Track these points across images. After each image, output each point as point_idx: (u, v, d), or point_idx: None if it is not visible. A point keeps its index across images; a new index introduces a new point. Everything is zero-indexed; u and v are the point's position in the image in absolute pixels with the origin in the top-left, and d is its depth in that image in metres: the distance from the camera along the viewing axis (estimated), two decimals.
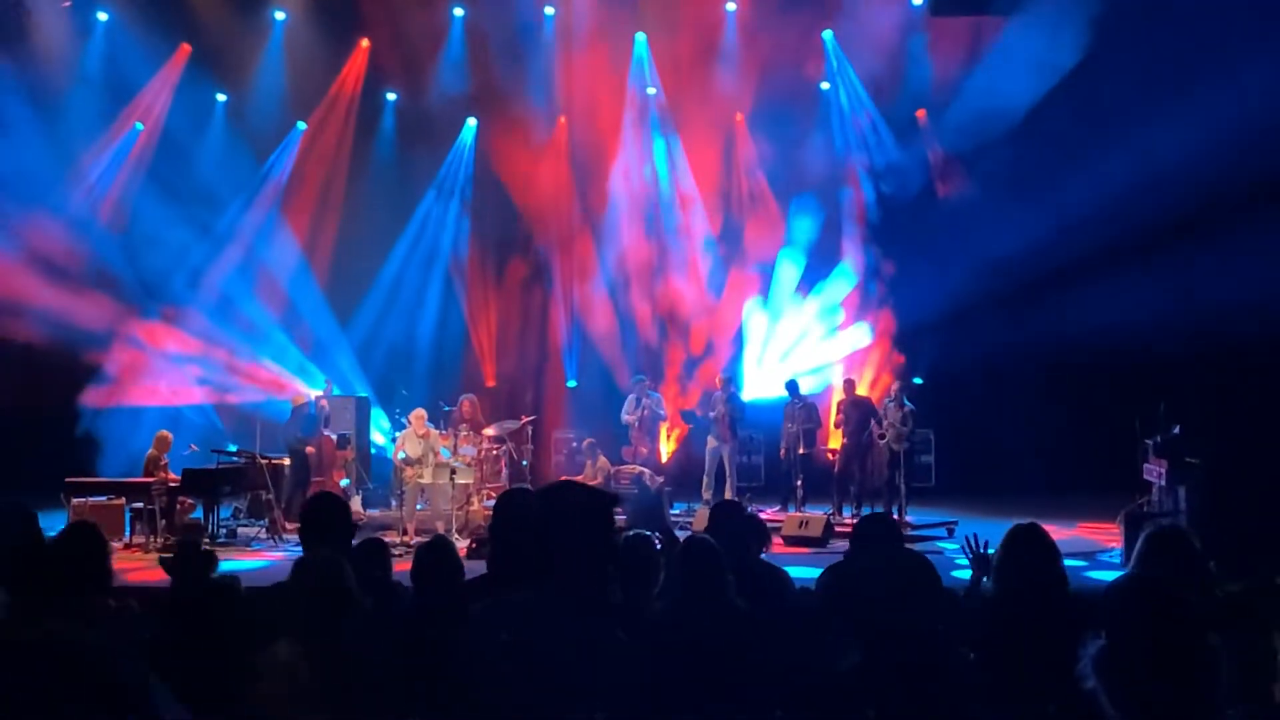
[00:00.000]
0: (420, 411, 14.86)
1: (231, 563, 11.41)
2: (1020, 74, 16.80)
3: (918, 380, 17.62)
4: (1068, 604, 4.37)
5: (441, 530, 13.66)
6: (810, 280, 19.04)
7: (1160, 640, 2.68)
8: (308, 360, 18.51)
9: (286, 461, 15.09)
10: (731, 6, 18.40)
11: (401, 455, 14.56)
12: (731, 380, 17.00)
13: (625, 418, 16.48)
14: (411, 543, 13.52)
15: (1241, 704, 2.88)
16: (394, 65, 18.89)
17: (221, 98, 18.78)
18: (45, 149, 16.99)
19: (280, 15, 18.30)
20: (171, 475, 14.40)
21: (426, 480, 14.39)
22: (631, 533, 5.16)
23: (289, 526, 13.83)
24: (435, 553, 4.85)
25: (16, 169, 16.55)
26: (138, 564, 12.36)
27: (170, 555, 5.64)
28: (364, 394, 18.50)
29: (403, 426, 15.24)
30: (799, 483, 15.68)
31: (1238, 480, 11.68)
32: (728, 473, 16.37)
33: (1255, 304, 14.70)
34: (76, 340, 16.74)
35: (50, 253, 16.82)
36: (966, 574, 5.26)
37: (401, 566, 5.57)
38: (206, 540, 13.37)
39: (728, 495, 16.14)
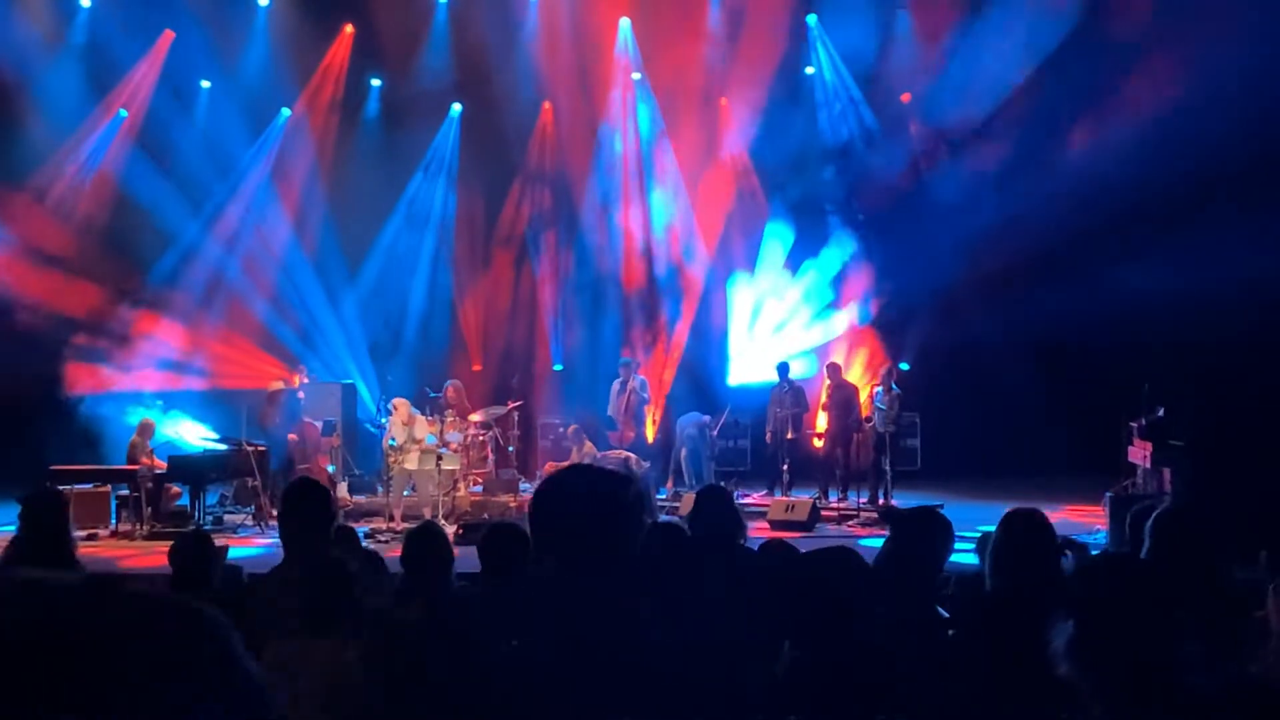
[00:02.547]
0: (401, 400, 14.89)
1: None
2: (1006, 53, 16.91)
3: (904, 366, 17.66)
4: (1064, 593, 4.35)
5: (429, 516, 13.68)
6: (795, 262, 19.07)
7: (1127, 617, 2.69)
8: (294, 345, 18.46)
9: None
10: None
11: (391, 442, 14.58)
12: (710, 377, 17.09)
13: (611, 412, 16.54)
14: (399, 529, 13.54)
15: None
16: (378, 51, 18.85)
17: (206, 84, 18.70)
18: (29, 134, 17.00)
19: (264, 1, 18.24)
20: (157, 461, 14.37)
21: (410, 466, 14.41)
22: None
23: (275, 513, 13.79)
24: (425, 538, 4.86)
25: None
26: (124, 551, 12.37)
27: (178, 546, 5.60)
28: (350, 380, 18.48)
29: (387, 413, 15.25)
30: (785, 467, 15.72)
31: (1222, 462, 11.75)
32: (702, 457, 16.40)
33: (1243, 285, 14.78)
34: (61, 326, 16.72)
35: (35, 238, 16.81)
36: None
37: (390, 554, 5.62)
38: (192, 527, 13.39)
39: (708, 479, 16.18)
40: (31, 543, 5.18)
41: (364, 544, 12.75)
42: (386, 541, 13.08)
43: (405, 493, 14.50)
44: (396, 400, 14.94)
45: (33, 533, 5.26)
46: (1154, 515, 4.34)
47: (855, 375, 17.38)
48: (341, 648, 3.91)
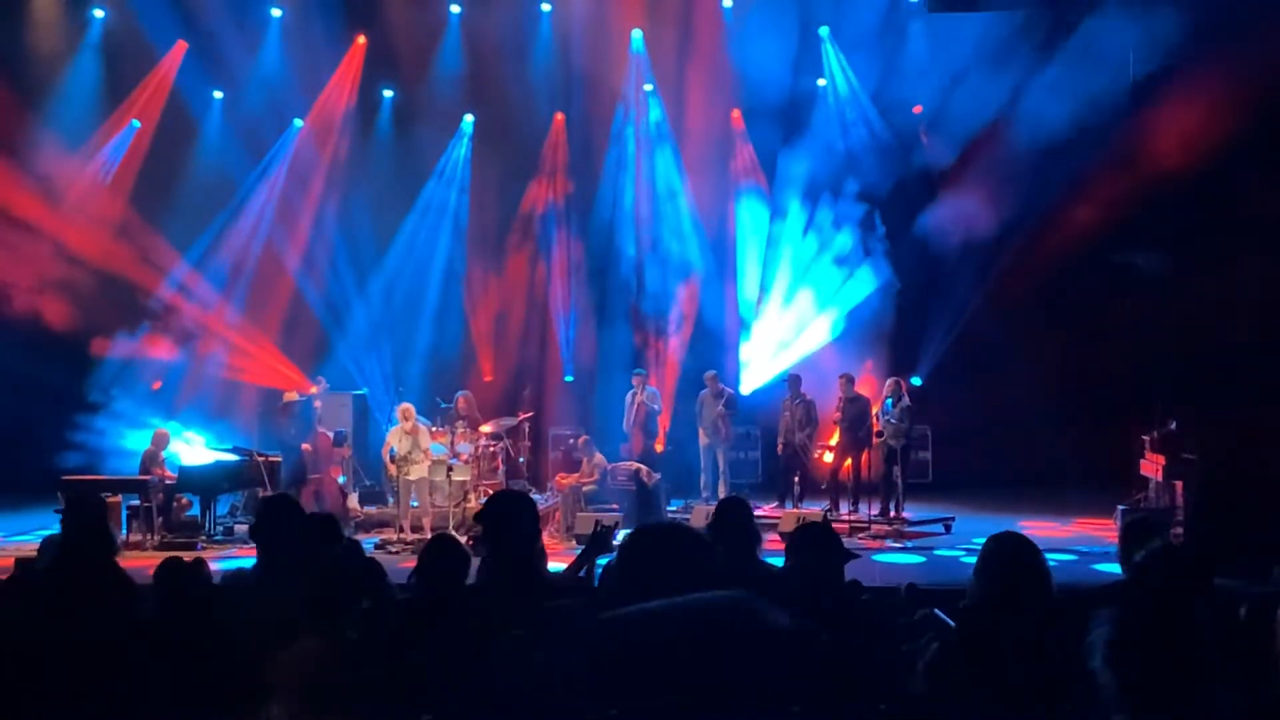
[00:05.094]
0: (407, 407, 14.85)
1: (229, 560, 11.46)
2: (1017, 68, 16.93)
3: (916, 380, 17.59)
4: (1049, 612, 4.32)
5: (427, 526, 13.67)
6: (807, 272, 18.99)
7: (1168, 621, 2.69)
8: (308, 353, 18.46)
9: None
10: (728, 3, 18.40)
11: (391, 451, 14.52)
12: (721, 379, 16.97)
13: (625, 425, 16.54)
14: (409, 539, 13.53)
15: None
16: (391, 62, 18.90)
17: (219, 94, 18.77)
18: (44, 143, 17.13)
19: (276, 12, 18.29)
20: (168, 473, 14.40)
21: (413, 477, 14.37)
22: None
23: None
24: (441, 549, 4.86)
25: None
26: (135, 562, 12.37)
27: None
28: (362, 390, 18.46)
29: (395, 423, 15.22)
30: (796, 479, 15.68)
31: (1235, 474, 11.71)
32: (721, 470, 16.39)
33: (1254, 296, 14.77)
34: (72, 337, 16.84)
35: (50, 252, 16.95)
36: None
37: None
38: (203, 538, 13.43)
39: (721, 493, 16.15)
40: (76, 546, 5.24)
41: (373, 555, 12.85)
42: (397, 553, 13.08)
43: (413, 504, 14.44)
44: (404, 406, 14.87)
45: (78, 535, 5.33)
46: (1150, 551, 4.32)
47: (866, 387, 17.32)
48: (329, 644, 3.94)
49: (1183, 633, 2.71)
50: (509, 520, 4.83)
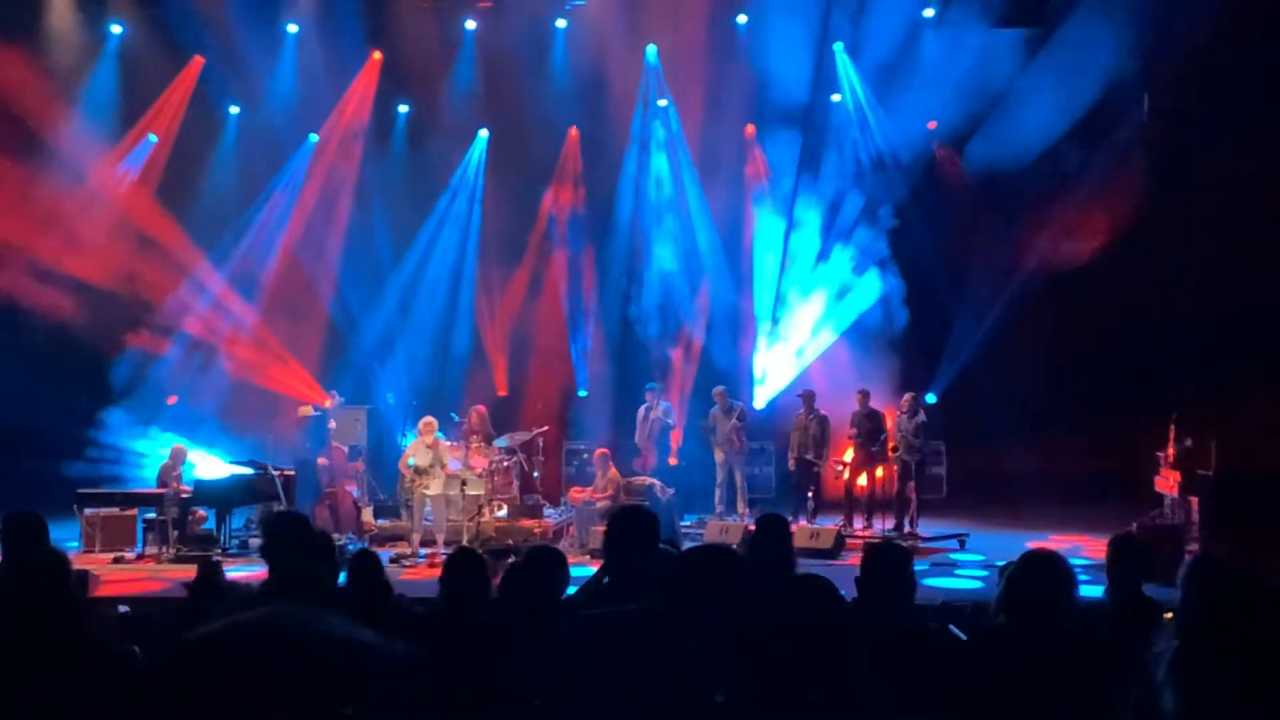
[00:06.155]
0: (430, 420, 14.81)
1: (243, 571, 11.45)
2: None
3: (931, 397, 17.55)
4: (1077, 638, 4.30)
5: (440, 541, 13.66)
6: (821, 286, 18.99)
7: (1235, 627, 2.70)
8: (322, 366, 18.52)
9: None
10: (743, 19, 18.46)
11: (410, 463, 14.47)
12: (732, 395, 16.96)
13: (637, 439, 16.53)
14: (420, 554, 13.52)
15: None
16: (406, 78, 18.99)
17: (235, 109, 18.88)
18: (61, 158, 17.24)
19: (293, 28, 18.40)
20: (184, 486, 14.45)
21: (432, 491, 14.26)
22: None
23: None
24: (464, 563, 4.91)
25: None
26: (149, 575, 12.42)
27: None
28: (375, 404, 18.49)
29: (411, 436, 15.21)
30: (810, 494, 15.67)
31: (1249, 491, 11.67)
32: (739, 485, 16.38)
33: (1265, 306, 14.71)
34: (89, 349, 16.94)
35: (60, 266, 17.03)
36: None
37: (408, 575, 5.62)
38: (218, 552, 13.43)
39: (740, 508, 16.15)
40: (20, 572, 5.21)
41: (388, 569, 12.85)
42: (411, 567, 13.09)
43: (427, 519, 14.36)
44: (428, 419, 14.81)
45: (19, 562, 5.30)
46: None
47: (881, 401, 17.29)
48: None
49: (1245, 645, 2.72)
50: (631, 535, 4.86)
